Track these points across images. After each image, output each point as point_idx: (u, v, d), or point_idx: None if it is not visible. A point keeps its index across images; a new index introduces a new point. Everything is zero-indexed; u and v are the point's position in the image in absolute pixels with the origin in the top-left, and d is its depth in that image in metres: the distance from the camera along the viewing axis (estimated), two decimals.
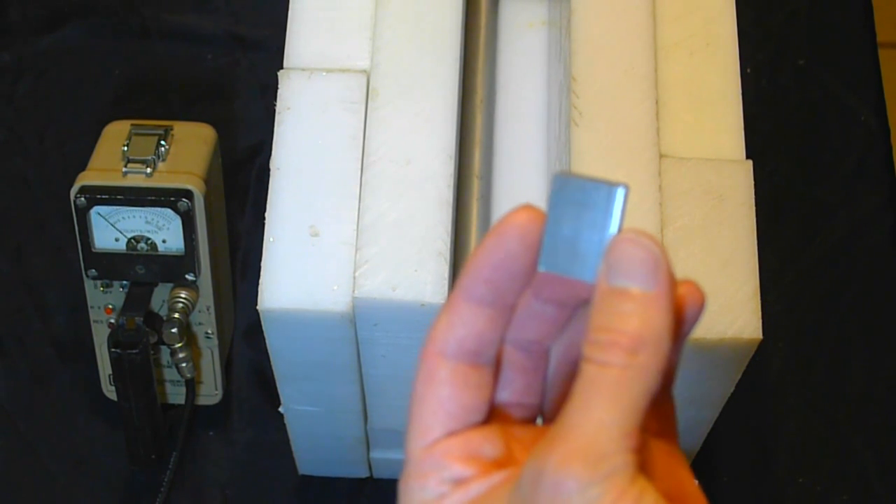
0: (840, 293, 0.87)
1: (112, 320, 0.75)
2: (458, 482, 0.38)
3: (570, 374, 0.40)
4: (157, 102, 0.93)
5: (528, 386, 0.41)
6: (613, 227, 0.36)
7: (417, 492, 0.38)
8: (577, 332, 0.39)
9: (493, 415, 0.40)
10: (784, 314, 0.84)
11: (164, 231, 0.73)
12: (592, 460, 0.34)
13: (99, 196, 0.71)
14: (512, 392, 0.41)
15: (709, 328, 0.60)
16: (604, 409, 0.35)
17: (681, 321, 0.38)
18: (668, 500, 0.38)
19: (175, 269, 0.74)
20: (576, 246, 0.37)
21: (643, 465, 0.37)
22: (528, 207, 0.38)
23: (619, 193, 0.36)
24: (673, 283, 0.36)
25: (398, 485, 0.39)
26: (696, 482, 0.41)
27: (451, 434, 0.39)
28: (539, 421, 0.42)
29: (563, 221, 0.37)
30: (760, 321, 0.60)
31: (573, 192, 0.37)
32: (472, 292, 0.38)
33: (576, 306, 0.39)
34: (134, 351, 0.73)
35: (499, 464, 0.38)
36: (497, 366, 0.40)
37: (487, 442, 0.39)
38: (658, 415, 0.40)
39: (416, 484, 0.38)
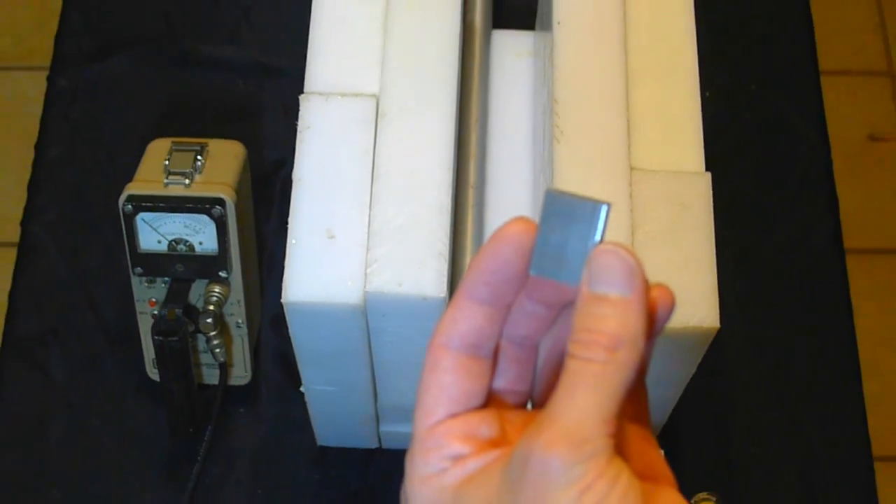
0: (788, 288, 0.87)
1: (155, 312, 0.75)
2: (457, 459, 0.38)
3: (557, 365, 0.40)
4: (194, 122, 0.93)
5: (520, 375, 0.41)
6: (596, 239, 0.36)
7: (421, 466, 0.39)
8: (563, 329, 0.39)
9: (490, 400, 0.40)
10: (739, 306, 0.84)
11: (200, 234, 0.73)
12: (575, 443, 0.34)
13: (143, 204, 0.71)
14: (506, 380, 0.41)
15: (673, 318, 0.59)
16: (586, 399, 0.35)
17: (653, 320, 0.38)
18: (640, 479, 0.38)
19: (210, 267, 0.74)
20: (563, 254, 0.37)
21: (619, 447, 0.37)
22: (522, 219, 0.38)
23: (603, 209, 0.36)
24: (647, 288, 0.36)
25: (405, 459, 0.39)
26: (666, 461, 0.41)
27: (453, 416, 0.39)
28: (529, 406, 0.42)
29: (552, 232, 0.37)
30: (718, 312, 0.60)
31: (562, 207, 0.37)
32: (474, 292, 0.38)
33: (562, 307, 0.39)
34: (174, 338, 0.73)
35: (494, 443, 0.38)
36: (495, 358, 0.40)
37: (484, 423, 0.39)
38: (633, 402, 0.40)
39: (420, 459, 0.39)
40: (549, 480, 0.34)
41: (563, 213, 0.37)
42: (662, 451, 0.41)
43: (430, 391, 0.39)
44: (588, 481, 0.34)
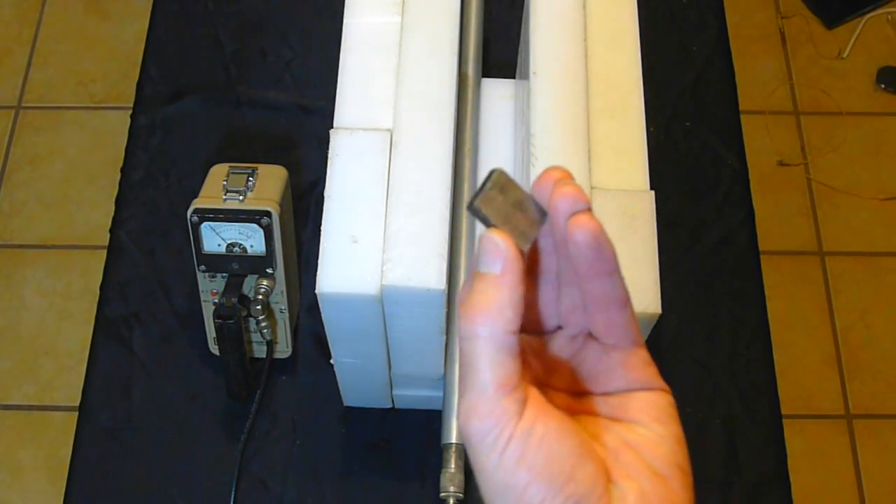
0: (714, 281, 0.87)
1: (216, 300, 0.75)
2: None
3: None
4: (246, 151, 0.93)
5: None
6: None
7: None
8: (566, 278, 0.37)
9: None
10: (676, 296, 0.84)
11: (251, 239, 0.73)
12: (480, 418, 0.32)
13: (207, 215, 0.71)
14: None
15: None
16: (474, 376, 0.33)
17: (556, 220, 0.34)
18: (640, 389, 0.35)
19: (259, 265, 0.74)
20: None
21: (621, 369, 0.35)
22: None
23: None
24: (517, 265, 0.33)
25: None
26: (660, 375, 0.37)
27: None
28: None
29: None
30: (660, 301, 0.60)
31: None
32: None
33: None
34: (231, 321, 0.73)
35: None
36: None
37: None
38: (608, 325, 0.36)
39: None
40: (475, 447, 0.33)
41: None
42: (654, 362, 0.38)
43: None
44: (502, 443, 0.32)
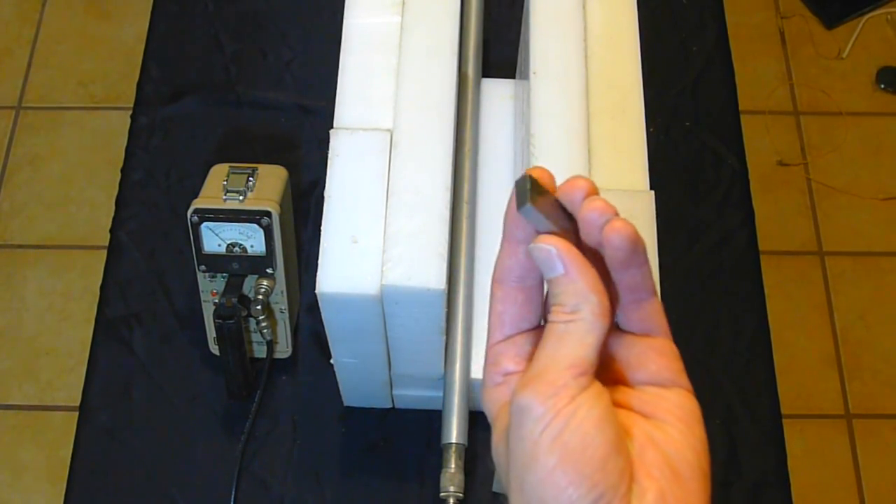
0: (713, 281, 0.87)
1: (216, 301, 0.75)
2: (509, 374, 0.38)
3: None
4: (246, 151, 0.93)
5: None
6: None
7: (486, 380, 0.38)
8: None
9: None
10: (675, 295, 0.84)
11: (251, 239, 0.73)
12: (540, 387, 0.34)
13: (207, 215, 0.71)
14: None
15: None
16: (553, 349, 0.35)
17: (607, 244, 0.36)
18: (661, 386, 0.37)
19: (259, 265, 0.74)
20: None
21: (646, 363, 0.37)
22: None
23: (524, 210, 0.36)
24: (579, 258, 0.35)
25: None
26: (685, 374, 0.39)
27: (507, 338, 0.38)
28: None
29: None
30: (660, 300, 0.60)
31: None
32: (512, 235, 0.38)
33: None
34: (231, 321, 0.73)
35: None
36: (541, 290, 0.38)
37: (530, 342, 0.38)
38: (640, 316, 0.38)
39: (486, 375, 0.38)
40: (523, 416, 0.34)
41: None
42: (680, 358, 0.39)
43: (490, 318, 0.38)
44: (547, 420, 0.33)
